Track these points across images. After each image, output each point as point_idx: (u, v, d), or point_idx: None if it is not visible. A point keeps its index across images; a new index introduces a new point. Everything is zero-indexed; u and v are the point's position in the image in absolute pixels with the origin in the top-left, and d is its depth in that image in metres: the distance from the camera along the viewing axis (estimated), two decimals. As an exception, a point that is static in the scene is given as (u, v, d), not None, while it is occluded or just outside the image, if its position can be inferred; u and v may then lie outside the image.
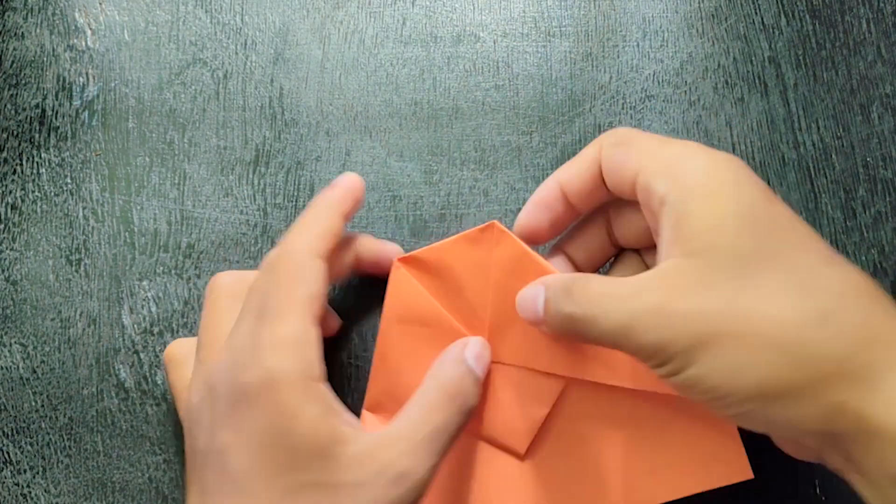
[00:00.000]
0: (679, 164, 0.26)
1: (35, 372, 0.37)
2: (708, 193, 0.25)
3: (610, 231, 0.31)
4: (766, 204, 0.25)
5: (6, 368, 0.37)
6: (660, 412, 0.29)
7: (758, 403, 0.23)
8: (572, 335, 0.26)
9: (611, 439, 0.30)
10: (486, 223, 0.31)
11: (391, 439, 0.27)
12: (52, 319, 0.37)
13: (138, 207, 0.38)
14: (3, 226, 0.39)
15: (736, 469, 0.28)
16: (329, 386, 0.28)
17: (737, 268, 0.24)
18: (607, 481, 0.30)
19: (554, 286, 0.27)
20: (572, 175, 0.29)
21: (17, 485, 0.35)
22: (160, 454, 0.35)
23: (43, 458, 0.36)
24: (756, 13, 0.39)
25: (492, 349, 0.31)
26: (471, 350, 0.30)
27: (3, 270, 0.38)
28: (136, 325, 0.37)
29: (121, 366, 0.36)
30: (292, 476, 0.25)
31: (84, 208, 0.39)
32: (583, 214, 0.32)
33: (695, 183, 0.25)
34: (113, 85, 0.40)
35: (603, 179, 0.29)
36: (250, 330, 0.28)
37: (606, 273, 0.32)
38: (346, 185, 0.32)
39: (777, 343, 0.22)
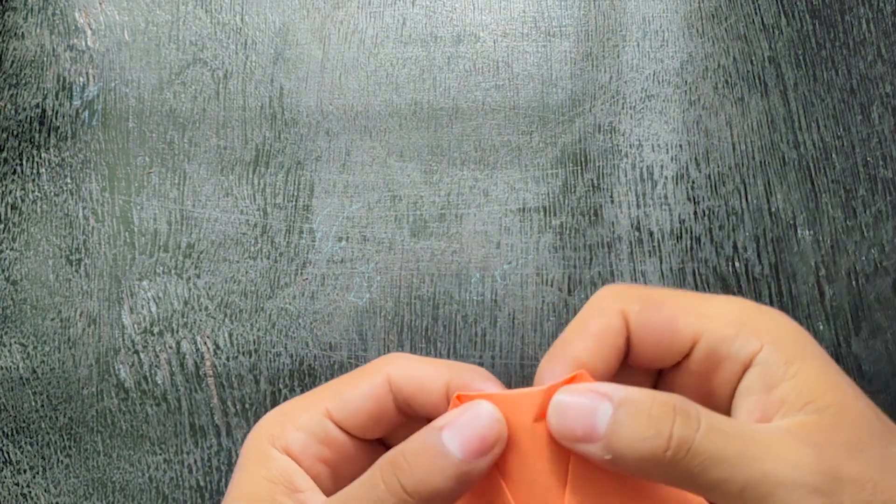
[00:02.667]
0: (762, 326, 0.24)
1: (35, 372, 0.37)
2: (810, 354, 0.23)
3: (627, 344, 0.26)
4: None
5: (6, 368, 0.37)
6: None
7: None
8: (662, 474, 0.21)
9: None
10: (575, 373, 0.24)
11: None
12: (52, 319, 0.37)
13: (138, 207, 0.38)
14: (3, 226, 0.39)
15: None
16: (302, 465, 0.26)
17: (871, 429, 0.22)
18: None
19: (642, 403, 0.21)
20: (595, 353, 0.24)
21: (17, 485, 0.35)
22: (160, 454, 0.35)
23: (43, 458, 0.36)
24: (756, 13, 0.39)
25: None
26: (455, 422, 0.23)
27: (3, 270, 0.38)
28: (136, 325, 0.37)
29: (121, 366, 0.36)
30: None
31: (84, 208, 0.39)
32: None
33: (793, 344, 0.23)
34: (113, 85, 0.40)
35: (624, 347, 0.25)
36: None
37: None
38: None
39: None
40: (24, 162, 0.39)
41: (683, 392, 0.25)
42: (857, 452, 0.21)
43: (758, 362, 0.23)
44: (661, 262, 0.36)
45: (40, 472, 0.35)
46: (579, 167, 0.38)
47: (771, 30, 0.39)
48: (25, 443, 0.36)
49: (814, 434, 0.21)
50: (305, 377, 0.36)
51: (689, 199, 0.37)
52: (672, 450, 0.21)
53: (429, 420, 0.25)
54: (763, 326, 0.24)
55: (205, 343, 0.36)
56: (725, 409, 0.24)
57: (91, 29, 0.41)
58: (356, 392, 0.26)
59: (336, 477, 0.26)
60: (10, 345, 0.37)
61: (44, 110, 0.40)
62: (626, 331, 0.25)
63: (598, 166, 0.37)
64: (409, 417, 0.27)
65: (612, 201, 0.37)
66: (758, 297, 0.35)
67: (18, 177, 0.39)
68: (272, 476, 0.25)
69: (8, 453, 0.36)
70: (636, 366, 0.26)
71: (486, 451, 0.23)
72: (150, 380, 0.36)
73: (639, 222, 0.37)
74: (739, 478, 0.21)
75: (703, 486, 0.21)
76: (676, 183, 0.37)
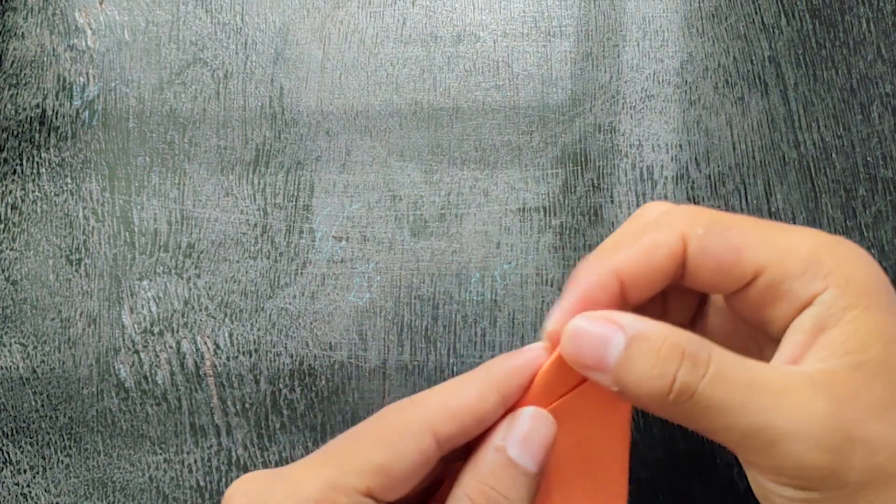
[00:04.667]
0: (834, 265, 0.22)
1: (35, 372, 0.37)
2: (877, 303, 0.21)
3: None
4: None
5: (6, 368, 0.37)
6: None
7: None
8: (665, 413, 0.21)
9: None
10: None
11: None
12: (52, 319, 0.37)
13: (138, 207, 0.38)
14: (3, 226, 0.39)
15: None
16: None
17: None
18: None
19: (654, 342, 0.21)
20: (638, 266, 0.23)
21: (17, 485, 0.35)
22: (160, 454, 0.35)
23: (43, 457, 0.36)
24: (756, 13, 0.39)
25: None
26: (514, 435, 0.23)
27: (3, 270, 0.38)
28: (136, 325, 0.37)
29: (121, 365, 0.36)
30: None
31: (84, 208, 0.39)
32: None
33: (861, 288, 0.22)
34: (113, 85, 0.40)
35: (675, 268, 0.24)
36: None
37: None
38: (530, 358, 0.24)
39: None
40: (24, 162, 0.39)
41: (739, 313, 0.24)
42: (885, 414, 0.20)
43: (817, 303, 0.22)
44: (661, 262, 0.36)
45: (40, 472, 0.35)
46: (579, 167, 0.38)
47: (771, 29, 0.39)
48: (25, 443, 0.36)
49: (839, 387, 0.21)
50: (305, 377, 0.36)
51: (689, 199, 0.37)
52: (674, 394, 0.21)
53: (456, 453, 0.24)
54: (835, 266, 0.22)
55: (205, 343, 0.36)
56: (777, 341, 0.23)
57: (91, 29, 0.41)
58: (402, 466, 0.22)
59: None
60: (10, 345, 0.37)
61: (44, 110, 0.40)
62: (683, 255, 0.23)
63: (598, 166, 0.37)
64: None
65: (612, 201, 0.37)
66: (758, 297, 0.35)
67: (18, 177, 0.39)
68: None
69: (8, 453, 0.36)
70: (692, 288, 0.24)
71: (548, 455, 0.23)
72: (150, 380, 0.36)
73: (639, 222, 0.37)
74: (741, 426, 0.20)
75: (704, 429, 0.21)
76: (676, 183, 0.37)
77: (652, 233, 0.23)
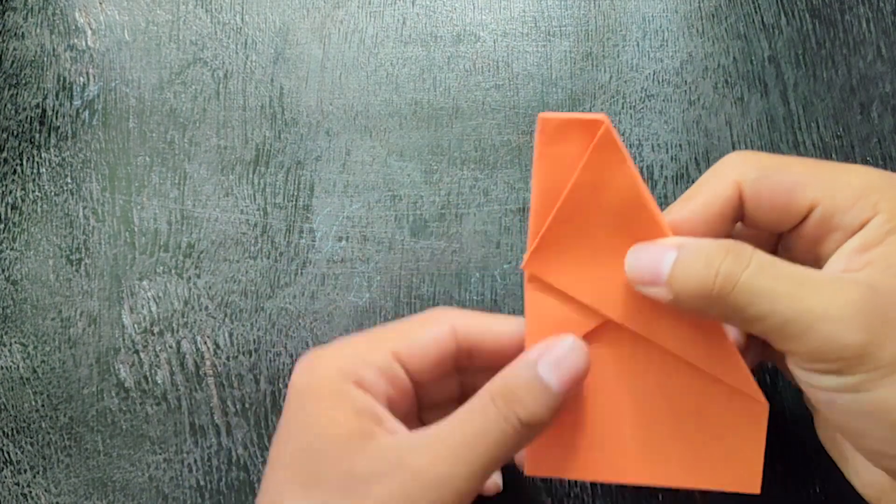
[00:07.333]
0: (882, 196, 0.24)
1: (35, 372, 0.37)
2: None
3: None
4: None
5: (6, 368, 0.37)
6: (693, 396, 0.27)
7: None
8: (714, 308, 0.23)
9: (635, 403, 0.27)
10: (596, 117, 0.25)
11: (427, 439, 0.25)
12: (53, 319, 0.37)
13: (138, 207, 0.38)
14: (3, 226, 0.39)
15: (746, 479, 0.27)
16: (375, 395, 0.26)
17: None
18: (622, 444, 0.27)
19: (701, 246, 0.23)
20: (695, 218, 0.26)
21: (18, 484, 0.35)
22: (160, 453, 0.35)
23: (43, 457, 0.36)
24: (756, 12, 0.39)
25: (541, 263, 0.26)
26: (548, 356, 0.25)
27: (3, 270, 0.38)
28: (136, 325, 0.37)
29: (121, 365, 0.36)
30: (311, 468, 0.25)
31: (84, 208, 0.39)
32: None
33: None
34: (113, 85, 0.40)
35: (734, 214, 0.26)
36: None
37: None
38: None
39: None
40: (24, 162, 0.39)
41: (795, 254, 0.26)
42: None
43: (864, 229, 0.24)
44: (660, 262, 0.36)
45: (41, 472, 0.35)
46: (579, 167, 0.38)
47: (771, 29, 0.39)
48: (26, 442, 0.36)
49: (877, 284, 0.22)
50: (305, 377, 0.36)
51: (688, 198, 0.37)
52: (718, 284, 0.23)
53: (484, 372, 0.27)
54: (884, 196, 0.24)
55: (205, 343, 0.36)
56: None
57: (91, 29, 0.41)
58: (424, 337, 0.27)
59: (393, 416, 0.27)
60: (11, 344, 0.37)
61: (44, 110, 0.40)
62: (738, 199, 0.25)
63: (598, 166, 0.37)
64: (457, 368, 0.28)
65: (612, 201, 0.37)
66: (758, 297, 0.35)
67: (19, 177, 0.39)
68: (359, 409, 0.25)
69: (8, 453, 0.36)
70: (754, 227, 0.26)
71: (576, 383, 0.26)
72: (150, 379, 0.36)
73: (639, 222, 0.37)
74: (782, 312, 0.22)
75: (748, 319, 0.22)
76: (676, 183, 0.37)
77: (707, 186, 0.26)
